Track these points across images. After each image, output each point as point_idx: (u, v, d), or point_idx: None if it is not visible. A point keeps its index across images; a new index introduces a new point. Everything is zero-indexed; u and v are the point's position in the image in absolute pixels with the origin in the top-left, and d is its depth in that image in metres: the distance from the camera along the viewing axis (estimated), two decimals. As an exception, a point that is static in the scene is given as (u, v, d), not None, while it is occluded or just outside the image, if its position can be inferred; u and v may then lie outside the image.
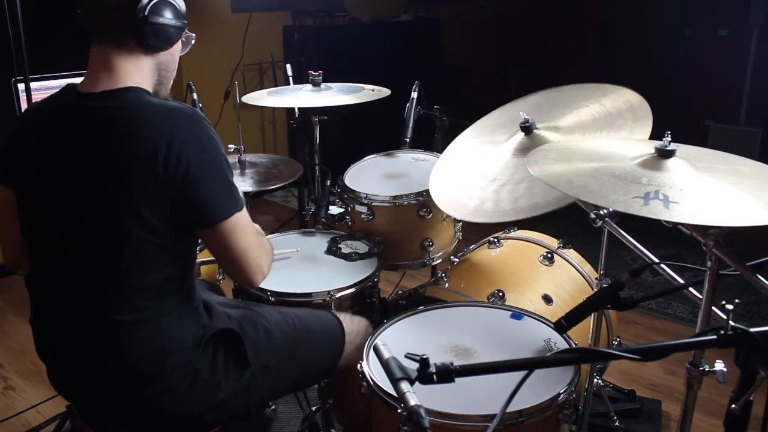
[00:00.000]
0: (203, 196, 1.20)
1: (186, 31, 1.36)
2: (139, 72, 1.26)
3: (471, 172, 1.73)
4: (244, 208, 1.27)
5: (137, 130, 1.17)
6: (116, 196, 1.18)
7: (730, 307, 0.98)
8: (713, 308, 1.23)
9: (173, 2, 1.27)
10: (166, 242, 1.21)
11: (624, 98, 1.69)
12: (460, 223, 2.18)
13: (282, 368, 1.44)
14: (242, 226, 1.26)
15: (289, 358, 1.46)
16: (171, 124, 1.18)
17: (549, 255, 2.01)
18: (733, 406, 0.99)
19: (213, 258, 1.99)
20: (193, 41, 1.40)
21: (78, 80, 1.28)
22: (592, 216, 1.42)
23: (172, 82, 1.38)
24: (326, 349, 1.54)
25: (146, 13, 1.21)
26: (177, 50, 1.35)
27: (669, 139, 1.26)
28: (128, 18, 1.22)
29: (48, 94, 1.32)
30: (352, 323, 1.60)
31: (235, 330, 1.37)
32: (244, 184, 2.17)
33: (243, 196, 1.28)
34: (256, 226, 1.38)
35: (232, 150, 2.42)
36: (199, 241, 1.33)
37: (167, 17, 1.25)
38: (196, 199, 1.19)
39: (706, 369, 1.25)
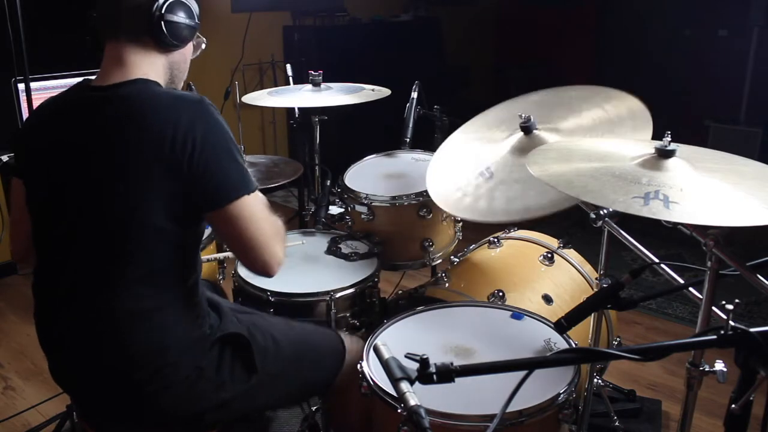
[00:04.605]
0: (211, 177, 1.19)
1: (198, 34, 1.39)
2: (152, 68, 1.29)
3: (467, 167, 1.72)
4: (257, 193, 1.25)
5: (143, 117, 1.19)
6: (121, 182, 1.18)
7: (730, 307, 0.98)
8: (713, 308, 1.23)
9: (188, 2, 1.31)
10: (171, 230, 1.21)
11: (626, 104, 1.69)
12: (460, 223, 2.18)
13: (286, 377, 1.44)
14: (253, 210, 1.23)
15: (295, 368, 1.46)
16: (177, 109, 1.20)
17: (549, 255, 2.01)
18: (733, 406, 0.99)
19: (212, 256, 2.01)
20: (203, 45, 1.43)
21: (93, 77, 1.31)
22: (592, 216, 1.42)
23: (183, 83, 1.40)
24: (328, 363, 1.54)
25: (162, 11, 1.25)
26: (189, 51, 1.38)
27: (669, 139, 1.26)
28: (145, 16, 1.25)
29: (48, 94, 1.34)
30: (350, 342, 1.60)
31: (245, 335, 1.37)
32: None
33: (257, 182, 1.27)
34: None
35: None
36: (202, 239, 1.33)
37: (182, 16, 1.29)
38: (204, 180, 1.19)
39: (706, 369, 1.25)
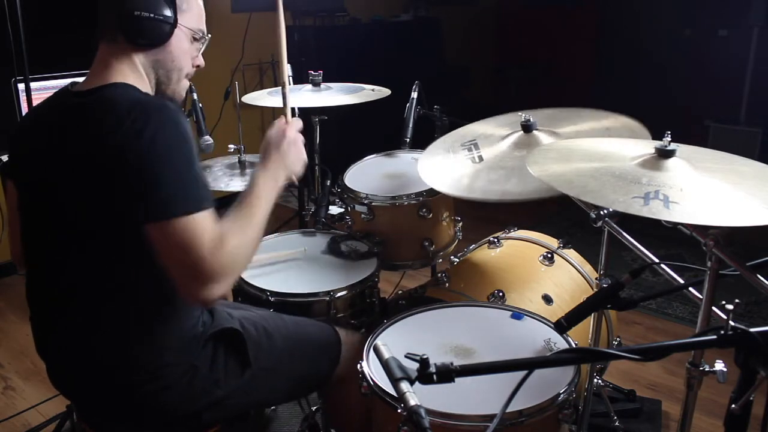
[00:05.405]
0: (150, 187, 1.09)
1: (201, 31, 1.36)
2: (132, 70, 1.25)
3: (461, 152, 1.76)
4: (206, 212, 1.12)
5: (99, 122, 1.15)
6: (86, 187, 1.15)
7: (730, 307, 0.98)
8: (713, 308, 1.23)
9: None
10: (141, 236, 1.15)
11: (623, 122, 1.70)
12: (461, 223, 2.18)
13: (281, 371, 1.44)
14: (194, 231, 1.10)
15: (289, 362, 1.46)
16: (131, 114, 1.12)
17: (549, 255, 2.01)
18: (733, 406, 0.99)
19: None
20: (206, 40, 1.38)
21: (81, 79, 1.29)
22: (592, 216, 1.42)
23: (183, 83, 1.34)
24: (324, 356, 1.54)
25: (130, 9, 1.20)
26: (177, 48, 1.30)
27: (669, 139, 1.26)
28: (115, 15, 1.22)
29: (48, 94, 1.33)
30: (347, 335, 1.60)
31: (238, 329, 1.37)
32: (244, 183, 2.17)
33: (210, 200, 1.14)
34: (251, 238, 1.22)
35: (232, 150, 2.41)
36: None
37: (153, 13, 1.21)
38: (143, 190, 1.09)
39: (706, 369, 1.25)
